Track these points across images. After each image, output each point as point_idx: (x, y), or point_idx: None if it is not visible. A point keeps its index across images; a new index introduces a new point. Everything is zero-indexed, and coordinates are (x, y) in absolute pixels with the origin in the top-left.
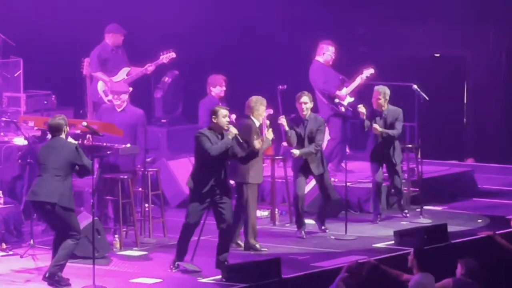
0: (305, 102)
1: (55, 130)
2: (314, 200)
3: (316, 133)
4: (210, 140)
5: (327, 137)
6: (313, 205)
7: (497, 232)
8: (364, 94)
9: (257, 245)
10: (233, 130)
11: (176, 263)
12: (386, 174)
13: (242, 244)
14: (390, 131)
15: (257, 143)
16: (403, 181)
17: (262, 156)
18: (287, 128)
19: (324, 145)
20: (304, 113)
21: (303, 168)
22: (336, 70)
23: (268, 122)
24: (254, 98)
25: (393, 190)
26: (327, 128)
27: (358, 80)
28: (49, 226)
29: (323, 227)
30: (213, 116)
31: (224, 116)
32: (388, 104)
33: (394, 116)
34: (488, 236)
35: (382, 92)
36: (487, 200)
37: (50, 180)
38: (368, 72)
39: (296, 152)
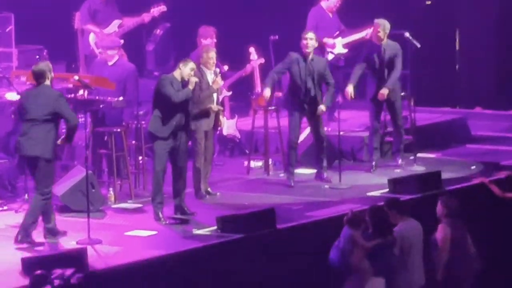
0: (311, 38)
1: (39, 76)
2: (309, 149)
3: (323, 74)
4: (173, 86)
5: None
6: (308, 154)
7: (490, 179)
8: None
9: (209, 189)
10: (193, 80)
11: (162, 218)
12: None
13: (212, 192)
14: (393, 77)
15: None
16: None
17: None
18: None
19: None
20: (309, 50)
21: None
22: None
23: (218, 70)
24: (203, 47)
25: (392, 130)
26: None
27: (362, 34)
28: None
29: (324, 175)
30: (182, 64)
31: (191, 69)
32: (387, 38)
33: (394, 51)
34: (481, 182)
35: (382, 24)
36: (480, 146)
37: (33, 130)
38: None
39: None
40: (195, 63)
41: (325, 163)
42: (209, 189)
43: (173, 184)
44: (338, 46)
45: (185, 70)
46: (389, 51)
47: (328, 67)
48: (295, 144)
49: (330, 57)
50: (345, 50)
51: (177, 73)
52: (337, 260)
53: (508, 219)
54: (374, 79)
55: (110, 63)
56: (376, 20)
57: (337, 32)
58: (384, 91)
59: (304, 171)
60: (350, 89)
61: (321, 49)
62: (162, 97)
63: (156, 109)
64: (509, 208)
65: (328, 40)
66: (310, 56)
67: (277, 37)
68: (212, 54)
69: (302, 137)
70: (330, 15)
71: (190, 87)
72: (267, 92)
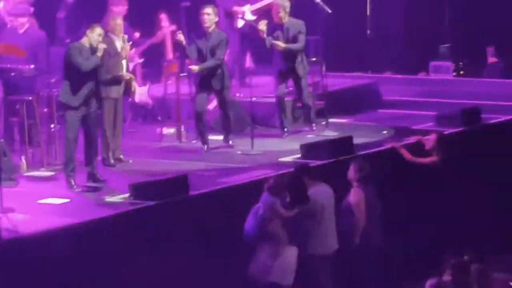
0: (208, 13)
1: None
2: (220, 116)
3: (217, 47)
4: (82, 53)
5: None
6: (219, 121)
7: (401, 143)
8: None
9: (121, 156)
10: (102, 46)
11: (75, 185)
12: (292, 89)
13: (124, 159)
14: (293, 46)
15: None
16: (309, 94)
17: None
18: (183, 43)
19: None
20: (207, 25)
21: (203, 83)
22: None
23: (126, 36)
24: (110, 15)
25: (300, 104)
26: None
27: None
28: None
29: (229, 142)
30: (89, 30)
31: (99, 34)
32: (289, 17)
33: (297, 29)
34: (393, 147)
35: (282, 4)
36: (392, 111)
37: None
38: None
39: (195, 68)
40: (103, 29)
41: (228, 134)
42: (121, 156)
43: (85, 152)
44: (247, 13)
45: (93, 36)
46: (292, 30)
47: (233, 34)
48: (200, 115)
49: (240, 24)
50: (254, 17)
51: (85, 41)
52: (254, 227)
53: (419, 184)
54: (279, 57)
55: (20, 31)
56: (275, 1)
57: None
58: (279, 43)
59: (217, 138)
60: (262, 27)
61: (231, 17)
62: (71, 66)
63: (66, 78)
64: (420, 173)
65: (237, 8)
66: (210, 30)
67: (188, 3)
68: (119, 21)
69: (214, 104)
70: None
71: (99, 54)
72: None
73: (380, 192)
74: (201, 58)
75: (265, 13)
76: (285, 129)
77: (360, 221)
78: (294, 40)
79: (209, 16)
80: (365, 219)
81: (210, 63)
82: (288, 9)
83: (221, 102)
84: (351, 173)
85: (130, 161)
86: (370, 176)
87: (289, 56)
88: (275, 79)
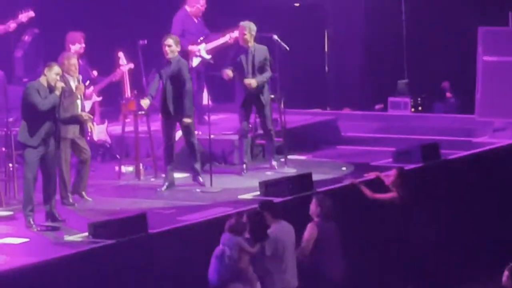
0: (169, 44)
1: None
2: (181, 152)
3: (178, 75)
4: (39, 93)
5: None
6: (180, 158)
7: (360, 180)
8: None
9: (70, 199)
10: (59, 85)
11: (34, 225)
12: (251, 126)
13: (85, 196)
14: (264, 77)
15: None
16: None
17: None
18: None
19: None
20: (169, 56)
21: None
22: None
23: (80, 76)
24: (64, 55)
25: (262, 137)
26: None
27: (225, 39)
28: None
29: (200, 179)
30: (47, 69)
31: (56, 73)
32: (253, 41)
33: (263, 55)
34: (352, 184)
35: (248, 27)
36: (351, 147)
37: None
38: None
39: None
40: (60, 68)
41: (198, 167)
42: (83, 193)
43: (43, 191)
44: (202, 52)
45: (51, 75)
46: (258, 55)
47: (188, 71)
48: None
49: (195, 62)
50: (209, 56)
51: (43, 80)
52: (222, 270)
53: (377, 220)
54: (242, 88)
55: None
56: (241, 23)
57: (202, 38)
58: (251, 81)
59: (176, 175)
60: (229, 74)
61: (186, 55)
62: (29, 106)
63: (24, 118)
64: (379, 209)
65: (192, 48)
66: (172, 60)
67: (146, 41)
68: (74, 61)
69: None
70: (195, 19)
71: (57, 92)
72: (147, 102)
73: (341, 227)
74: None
75: (219, 52)
76: (244, 166)
77: (303, 255)
78: (260, 66)
79: (170, 47)
80: (310, 255)
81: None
82: (254, 33)
83: (188, 133)
84: (312, 208)
85: (90, 199)
86: (330, 211)
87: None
88: (239, 110)
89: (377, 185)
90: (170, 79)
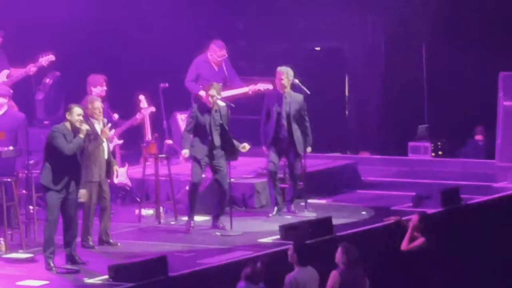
0: (212, 95)
1: None
2: (202, 195)
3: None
4: (66, 137)
5: None
6: (201, 201)
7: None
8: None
9: (90, 242)
10: (84, 128)
11: (54, 267)
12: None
13: (112, 241)
14: (308, 132)
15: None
16: (286, 175)
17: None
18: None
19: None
20: (211, 105)
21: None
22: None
23: (105, 120)
24: (88, 98)
25: (288, 181)
26: None
27: (245, 89)
28: None
29: (219, 225)
30: (67, 113)
31: (78, 114)
32: (290, 88)
33: (300, 104)
34: (396, 221)
35: (285, 72)
36: (371, 191)
37: None
38: (264, 86)
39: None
40: (81, 108)
41: (221, 213)
42: (111, 240)
43: (64, 234)
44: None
45: (73, 117)
46: (294, 102)
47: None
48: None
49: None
50: (223, 104)
51: (67, 123)
52: None
53: (404, 263)
54: (272, 125)
55: (0, 113)
56: (278, 68)
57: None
58: (309, 149)
59: (196, 218)
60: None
61: (199, 99)
62: (53, 149)
63: (47, 160)
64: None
65: (202, 93)
66: (215, 108)
67: (167, 85)
68: (97, 104)
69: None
70: (215, 67)
71: (81, 135)
72: (187, 153)
73: (367, 272)
74: (204, 133)
75: (254, 96)
76: (276, 207)
77: None
78: (296, 115)
79: (213, 98)
80: None
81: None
82: (291, 78)
83: (222, 177)
84: (338, 256)
85: (119, 244)
86: (356, 259)
87: (291, 133)
88: (268, 151)
89: (397, 229)
90: (216, 128)
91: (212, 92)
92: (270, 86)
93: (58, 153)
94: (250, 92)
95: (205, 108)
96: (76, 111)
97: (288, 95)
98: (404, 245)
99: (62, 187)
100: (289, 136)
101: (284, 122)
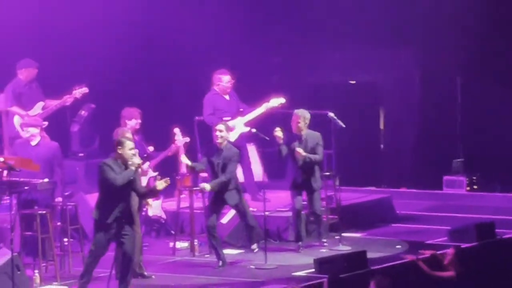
0: (220, 130)
1: None
2: (234, 230)
3: (228, 163)
4: (114, 170)
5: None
6: (234, 235)
7: (419, 257)
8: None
9: (145, 273)
10: (136, 161)
11: None
12: (305, 202)
13: (147, 274)
14: (312, 156)
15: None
16: (322, 208)
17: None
18: (189, 163)
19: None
20: (219, 141)
21: (217, 199)
22: (247, 99)
23: (137, 151)
24: (119, 132)
25: (312, 218)
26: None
27: (262, 109)
28: None
29: (255, 250)
30: (119, 147)
31: (130, 148)
32: (307, 129)
33: (315, 141)
34: (412, 261)
35: (302, 115)
36: (405, 225)
37: None
38: (277, 101)
39: (206, 186)
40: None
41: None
42: (145, 272)
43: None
44: (239, 126)
45: (126, 152)
46: (310, 141)
47: (235, 158)
48: (211, 229)
49: (233, 137)
50: (247, 128)
51: (116, 157)
52: None
53: None
54: (294, 168)
55: (33, 143)
56: (295, 111)
57: (241, 109)
58: (301, 150)
59: (231, 252)
60: (279, 134)
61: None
62: (104, 182)
63: (100, 195)
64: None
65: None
66: (222, 146)
67: (202, 117)
68: (128, 135)
69: (227, 218)
70: (226, 97)
71: (133, 167)
72: (207, 187)
73: None
74: (214, 172)
75: (258, 122)
76: (300, 243)
77: None
78: (313, 151)
79: (221, 133)
80: None
81: (222, 178)
82: (308, 121)
83: (240, 214)
84: None
85: (153, 276)
86: None
87: (306, 168)
88: (290, 191)
89: (433, 263)
90: (222, 167)
91: (220, 127)
92: (283, 100)
93: (109, 185)
94: (267, 111)
95: (214, 147)
96: (128, 145)
97: (305, 136)
98: (427, 269)
99: (111, 222)
100: (305, 174)
101: (301, 163)
